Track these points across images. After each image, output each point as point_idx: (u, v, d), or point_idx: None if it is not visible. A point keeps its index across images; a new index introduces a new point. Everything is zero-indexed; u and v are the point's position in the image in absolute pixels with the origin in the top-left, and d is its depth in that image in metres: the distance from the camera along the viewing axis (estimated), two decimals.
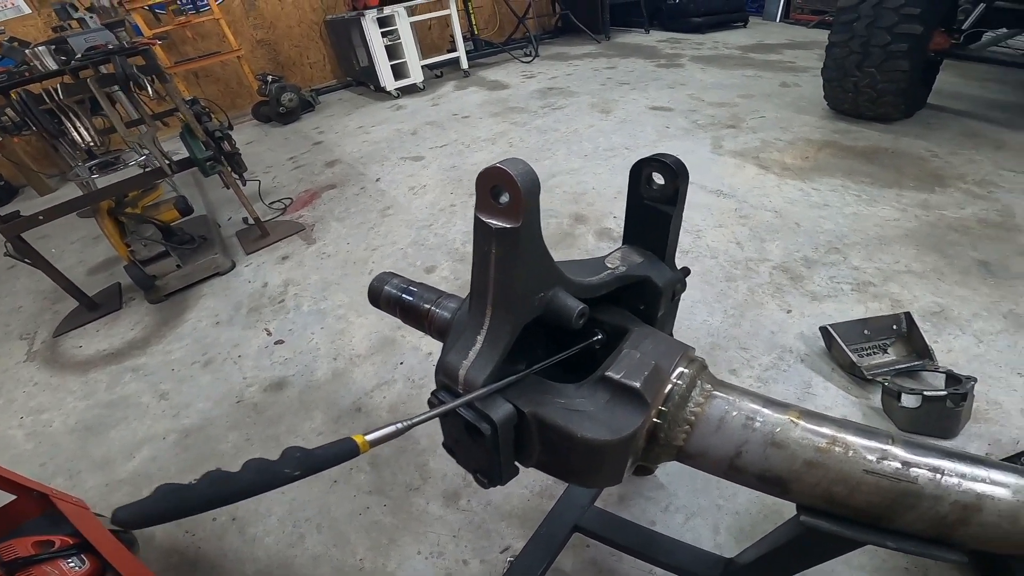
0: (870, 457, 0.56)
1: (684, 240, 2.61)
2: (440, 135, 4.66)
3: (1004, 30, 3.62)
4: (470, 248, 2.79)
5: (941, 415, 1.57)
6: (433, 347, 2.20)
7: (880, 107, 3.51)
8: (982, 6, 3.33)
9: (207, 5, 5.77)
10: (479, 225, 0.56)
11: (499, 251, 0.55)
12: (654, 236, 0.78)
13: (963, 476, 0.54)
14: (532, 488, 1.61)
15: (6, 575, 1.20)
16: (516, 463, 0.68)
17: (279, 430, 1.96)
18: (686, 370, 0.63)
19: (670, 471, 1.60)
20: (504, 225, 0.53)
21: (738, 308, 2.16)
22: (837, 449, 0.57)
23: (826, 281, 2.23)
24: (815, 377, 1.82)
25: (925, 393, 1.57)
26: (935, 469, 0.55)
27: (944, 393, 1.56)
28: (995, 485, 0.54)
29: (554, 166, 3.67)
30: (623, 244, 0.82)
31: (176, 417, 2.10)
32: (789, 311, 2.11)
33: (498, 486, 0.66)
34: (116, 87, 2.57)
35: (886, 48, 3.21)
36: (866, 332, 1.88)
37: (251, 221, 3.28)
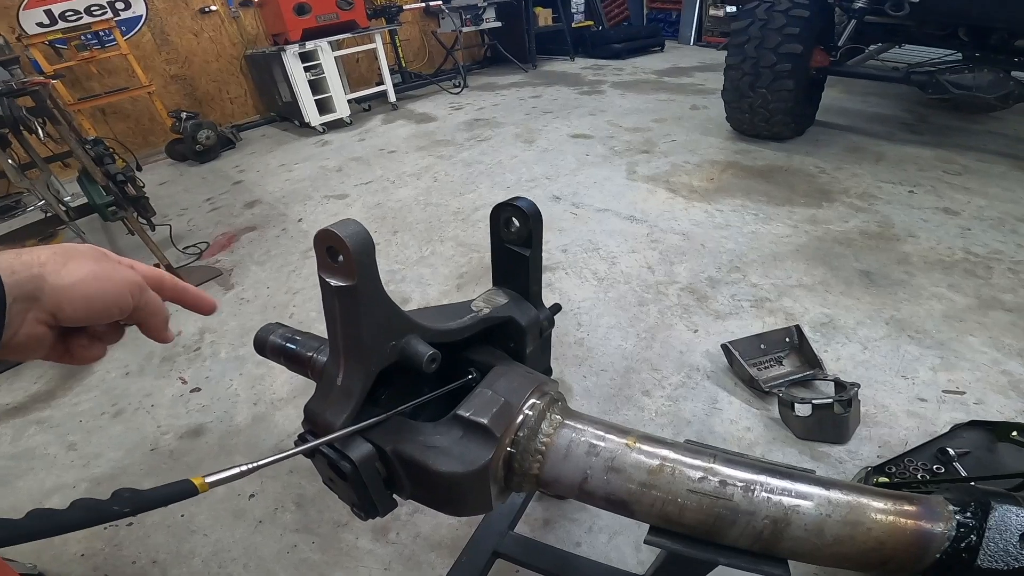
0: (693, 475, 0.60)
1: (600, 267, 2.72)
2: (365, 171, 4.66)
3: (878, 45, 3.95)
4: (392, 287, 2.82)
5: (832, 422, 1.68)
6: None
7: (773, 126, 3.73)
8: (853, 22, 3.58)
9: (113, 40, 5.52)
10: (323, 283, 0.59)
11: (342, 307, 0.59)
12: (517, 277, 0.83)
13: (772, 491, 0.58)
14: (460, 519, 1.62)
15: None
16: (394, 496, 0.71)
17: (198, 475, 1.90)
18: (538, 402, 0.68)
19: None
20: (342, 284, 0.57)
21: (650, 331, 2.26)
22: (666, 470, 0.61)
23: (728, 299, 2.37)
24: (720, 392, 1.93)
25: (814, 402, 1.68)
26: (747, 485, 0.59)
27: (830, 400, 1.67)
28: (799, 499, 0.57)
29: (478, 199, 3.74)
30: (493, 285, 0.87)
31: (86, 467, 2.01)
32: (696, 331, 2.23)
33: (376, 517, 0.69)
34: (5, 129, 2.45)
35: (773, 68, 3.40)
36: (762, 346, 2.00)
37: (162, 268, 3.15)
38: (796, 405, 1.71)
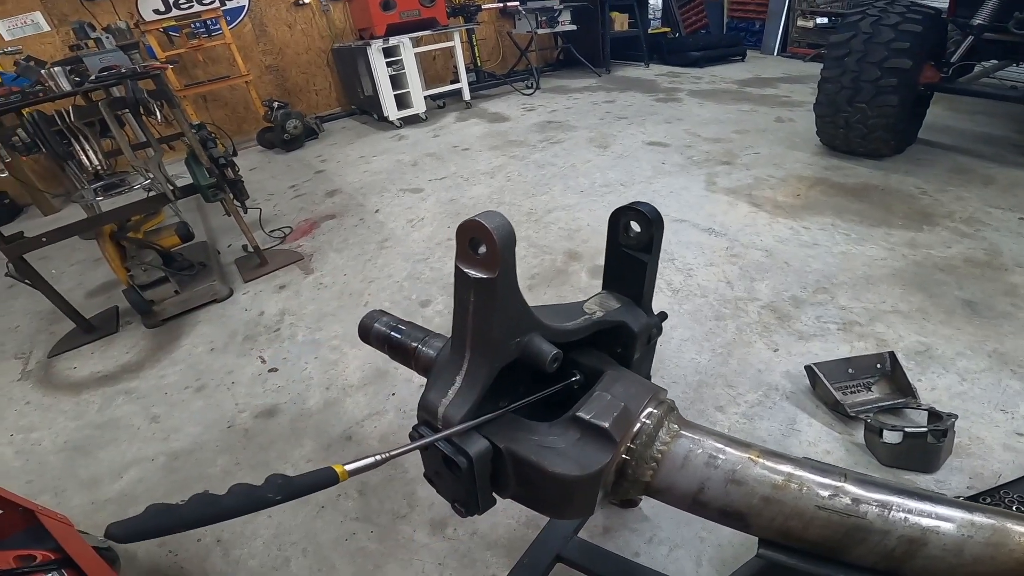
0: (823, 493, 0.59)
1: (675, 278, 2.66)
2: (440, 167, 4.75)
3: (993, 62, 3.69)
4: None
5: (922, 451, 1.61)
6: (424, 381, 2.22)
7: (871, 143, 3.54)
8: (971, 38, 3.37)
9: (219, 29, 5.93)
10: (459, 274, 0.60)
11: (477, 300, 0.59)
12: (631, 282, 0.82)
13: (910, 511, 0.57)
14: (518, 518, 1.62)
15: None
16: (494, 494, 0.71)
17: (269, 456, 1.98)
18: (655, 411, 0.67)
19: (655, 503, 1.61)
20: (481, 276, 0.57)
21: (726, 347, 2.19)
22: (792, 486, 0.60)
23: (813, 320, 2.27)
24: (800, 414, 1.85)
25: (907, 429, 1.60)
26: (883, 504, 0.57)
27: (925, 429, 1.59)
28: (940, 520, 0.56)
29: (551, 202, 3.74)
30: (602, 289, 0.86)
31: (166, 440, 2.12)
32: (776, 350, 2.14)
33: (475, 515, 0.69)
34: (126, 110, 2.62)
35: (876, 83, 3.24)
36: (850, 371, 1.91)
37: (250, 249, 3.33)
38: (885, 432, 1.63)
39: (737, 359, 2.12)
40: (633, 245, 0.79)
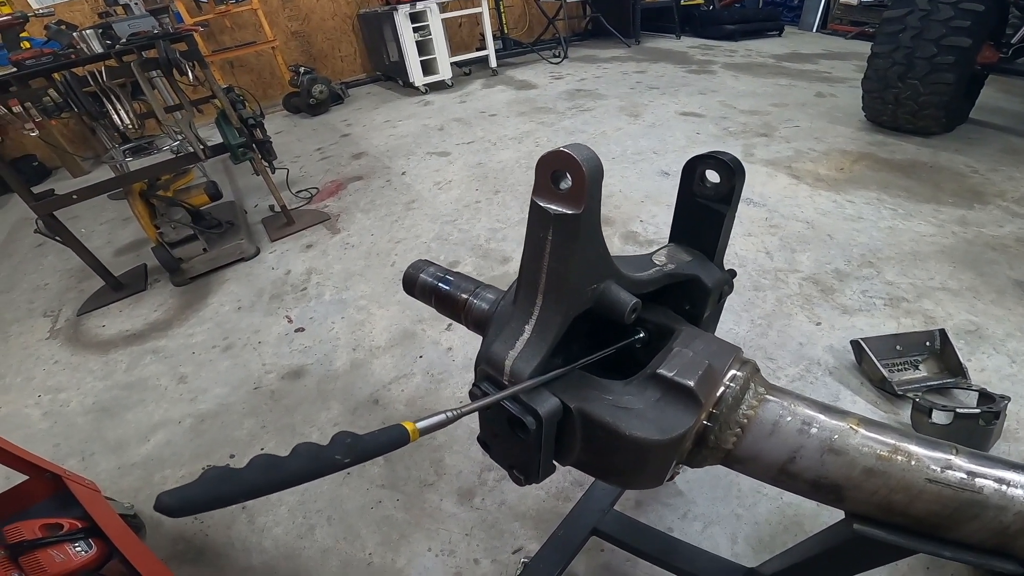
0: (934, 467, 0.54)
1: None
2: (466, 132, 4.66)
3: None
4: (494, 245, 2.80)
5: (972, 433, 1.54)
6: (454, 343, 2.19)
7: (921, 120, 3.44)
8: None
9: None
10: (535, 210, 0.54)
11: (556, 238, 0.54)
12: (705, 235, 0.75)
13: None
14: (548, 490, 1.59)
15: (11, 558, 1.19)
16: (554, 461, 0.66)
17: (295, 419, 1.96)
18: (739, 372, 0.61)
19: (689, 478, 1.57)
20: (564, 211, 0.51)
21: (766, 318, 2.12)
22: (899, 458, 0.55)
23: (858, 295, 2.18)
24: (843, 390, 1.79)
25: (958, 410, 1.54)
26: (1001, 480, 0.54)
27: (977, 411, 1.54)
28: None
29: None
30: (670, 242, 0.80)
31: (193, 402, 2.11)
32: (819, 323, 2.06)
33: (534, 483, 0.64)
34: (158, 72, 2.59)
35: (932, 60, 3.15)
36: (898, 348, 1.84)
37: (277, 209, 3.30)
38: (935, 412, 1.57)
39: (777, 331, 2.05)
40: (710, 196, 0.73)
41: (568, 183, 0.51)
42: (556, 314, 0.57)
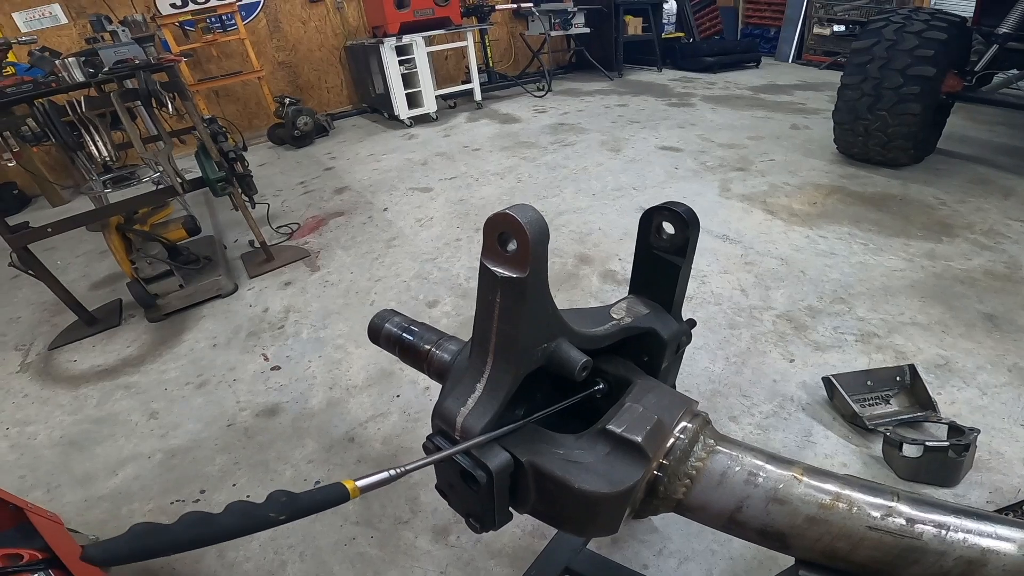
0: (874, 513, 0.56)
1: (688, 285, 2.61)
2: (450, 167, 4.71)
3: (1015, 71, 3.65)
4: (474, 284, 2.78)
5: (943, 465, 1.58)
6: (431, 383, 2.18)
7: (890, 152, 3.50)
8: (995, 47, 3.33)
9: (234, 24, 5.90)
10: (484, 272, 0.55)
11: (504, 301, 0.55)
12: (662, 286, 0.77)
13: (969, 531, 0.55)
14: (524, 527, 1.57)
15: None
16: (511, 509, 0.67)
17: (268, 456, 1.93)
18: (689, 424, 0.62)
19: (665, 515, 1.57)
20: (510, 275, 0.53)
21: (740, 356, 2.14)
22: (841, 505, 0.57)
23: (830, 331, 2.21)
24: (816, 426, 1.80)
25: (927, 443, 1.57)
26: (940, 525, 0.55)
27: (947, 444, 1.57)
28: (1001, 540, 0.54)
29: (561, 204, 3.69)
30: (629, 294, 0.82)
31: (164, 437, 2.07)
32: (792, 360, 2.09)
33: (491, 531, 0.65)
34: (138, 102, 2.59)
35: (899, 91, 3.19)
36: (869, 383, 1.87)
37: (257, 245, 3.29)
38: (905, 445, 1.59)
39: (751, 368, 2.07)
40: (665, 248, 0.75)
41: (514, 246, 0.52)
42: (507, 373, 0.58)
